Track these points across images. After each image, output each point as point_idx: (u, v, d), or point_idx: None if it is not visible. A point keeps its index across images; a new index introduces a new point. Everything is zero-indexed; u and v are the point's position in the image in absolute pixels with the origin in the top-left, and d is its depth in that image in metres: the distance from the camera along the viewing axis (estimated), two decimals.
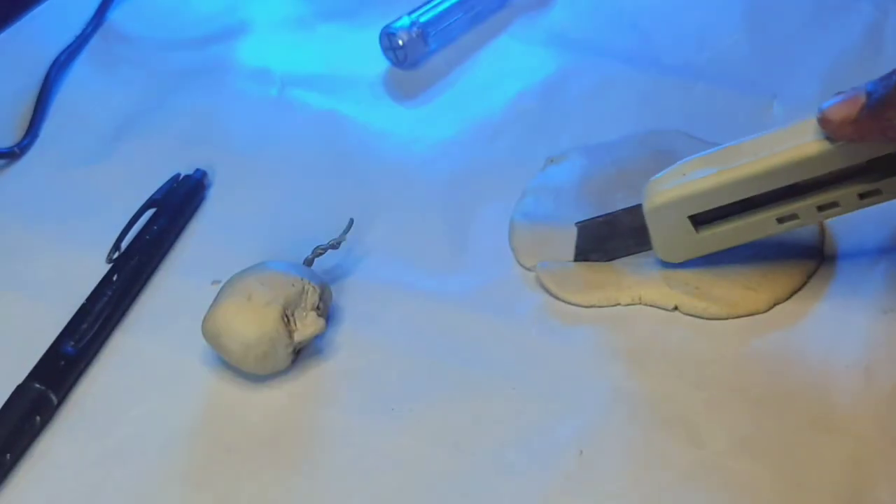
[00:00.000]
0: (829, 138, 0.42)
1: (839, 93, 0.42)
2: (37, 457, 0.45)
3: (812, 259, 0.49)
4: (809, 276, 0.49)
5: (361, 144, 0.61)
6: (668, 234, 0.48)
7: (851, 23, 0.64)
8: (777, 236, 0.48)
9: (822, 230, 0.51)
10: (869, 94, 0.40)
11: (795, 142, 0.43)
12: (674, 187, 0.46)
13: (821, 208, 0.46)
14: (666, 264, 0.49)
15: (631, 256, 0.50)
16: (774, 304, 0.48)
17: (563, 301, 0.49)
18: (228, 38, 0.71)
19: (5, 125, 0.64)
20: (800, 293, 0.48)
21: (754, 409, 0.44)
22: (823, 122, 0.42)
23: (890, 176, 0.44)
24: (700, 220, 0.47)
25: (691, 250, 0.48)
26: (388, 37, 0.66)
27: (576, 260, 0.51)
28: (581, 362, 0.46)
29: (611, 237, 0.51)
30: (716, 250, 0.48)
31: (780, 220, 0.46)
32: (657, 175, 0.48)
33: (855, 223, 0.51)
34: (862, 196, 0.45)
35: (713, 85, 0.61)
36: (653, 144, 0.57)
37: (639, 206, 0.48)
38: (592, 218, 0.51)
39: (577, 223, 0.51)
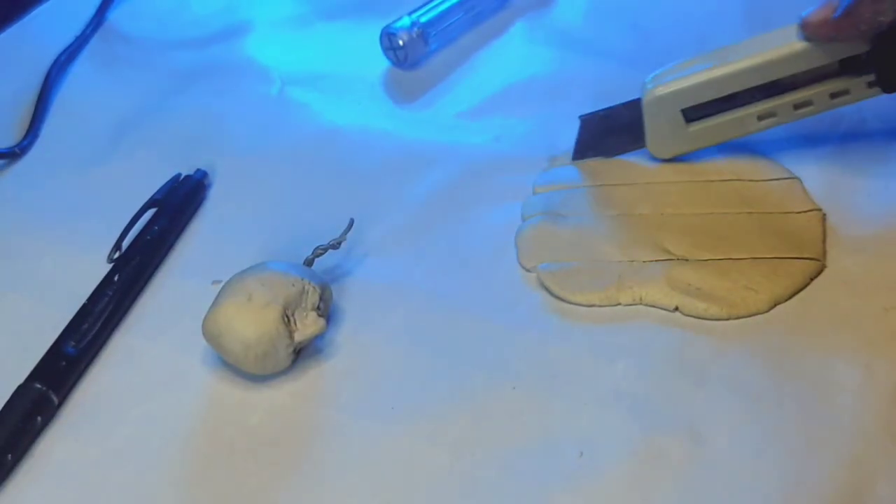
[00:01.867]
0: (808, 39, 0.49)
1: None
2: (38, 457, 0.45)
3: (812, 259, 0.49)
4: (810, 277, 0.49)
5: (361, 144, 0.61)
6: (661, 127, 0.54)
7: None
8: (780, 234, 0.49)
9: (823, 230, 0.51)
10: None
11: (779, 42, 0.50)
12: (671, 81, 0.52)
13: (796, 106, 0.52)
14: (667, 265, 0.50)
15: (635, 263, 0.50)
16: (775, 305, 0.48)
17: (564, 301, 0.49)
18: (229, 39, 0.71)
19: (5, 125, 0.64)
20: (800, 293, 0.48)
21: (754, 409, 0.44)
22: (804, 25, 0.49)
23: (857, 76, 0.50)
24: (691, 116, 0.53)
25: (681, 145, 0.54)
26: (388, 37, 0.66)
27: (574, 158, 0.56)
28: (581, 362, 0.46)
29: (609, 132, 0.56)
30: (703, 146, 0.54)
31: (760, 118, 0.53)
32: (656, 71, 0.54)
33: (856, 222, 0.51)
34: (833, 95, 0.51)
35: None
36: None
37: (637, 101, 0.54)
38: (595, 112, 0.56)
39: (580, 116, 0.56)
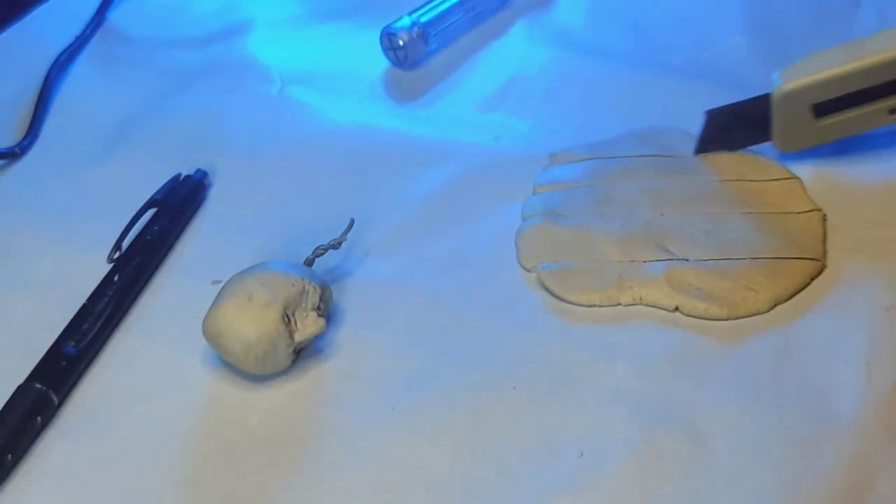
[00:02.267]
0: None
1: None
2: (37, 457, 0.45)
3: (812, 259, 0.49)
4: (810, 277, 0.49)
5: (362, 144, 0.61)
6: (789, 122, 0.53)
7: (852, 30, 0.64)
8: (780, 234, 0.49)
9: (823, 230, 0.51)
10: None
11: None
12: (802, 76, 0.52)
13: None
14: (667, 265, 0.50)
15: (635, 263, 0.50)
16: (775, 305, 0.48)
17: (564, 301, 0.49)
18: (229, 38, 0.71)
19: (5, 125, 0.64)
20: (800, 293, 0.48)
21: (754, 409, 0.44)
22: None
23: None
24: (821, 110, 0.52)
25: (809, 140, 0.54)
26: (388, 37, 0.66)
27: (697, 152, 0.56)
28: (581, 362, 0.46)
29: (734, 126, 0.55)
30: (831, 141, 0.54)
31: (892, 112, 0.52)
32: (789, 66, 0.53)
33: (856, 222, 0.51)
34: None
35: (713, 85, 0.61)
36: (653, 141, 0.57)
37: (765, 97, 0.53)
38: (722, 106, 0.56)
39: (706, 111, 0.56)
